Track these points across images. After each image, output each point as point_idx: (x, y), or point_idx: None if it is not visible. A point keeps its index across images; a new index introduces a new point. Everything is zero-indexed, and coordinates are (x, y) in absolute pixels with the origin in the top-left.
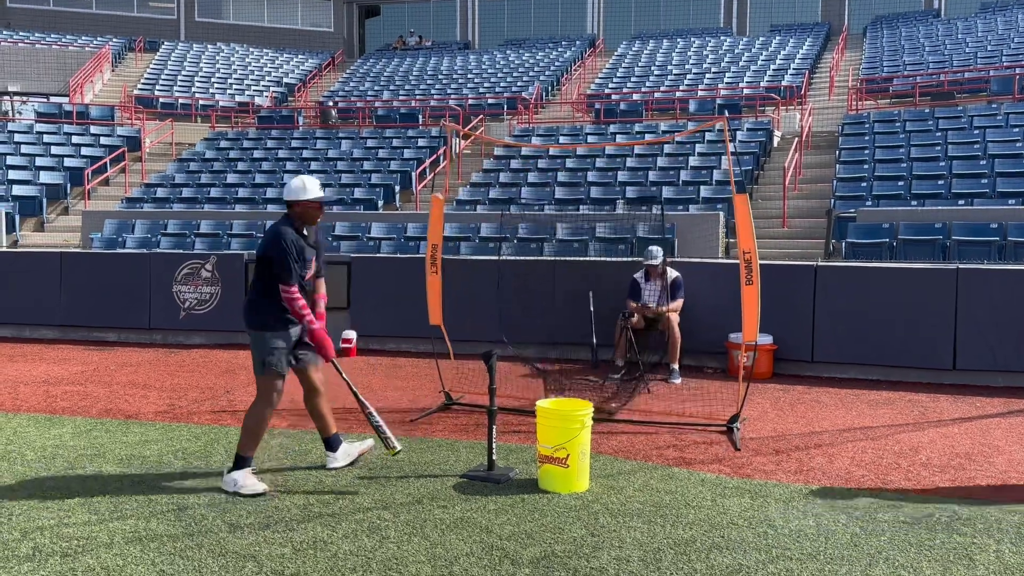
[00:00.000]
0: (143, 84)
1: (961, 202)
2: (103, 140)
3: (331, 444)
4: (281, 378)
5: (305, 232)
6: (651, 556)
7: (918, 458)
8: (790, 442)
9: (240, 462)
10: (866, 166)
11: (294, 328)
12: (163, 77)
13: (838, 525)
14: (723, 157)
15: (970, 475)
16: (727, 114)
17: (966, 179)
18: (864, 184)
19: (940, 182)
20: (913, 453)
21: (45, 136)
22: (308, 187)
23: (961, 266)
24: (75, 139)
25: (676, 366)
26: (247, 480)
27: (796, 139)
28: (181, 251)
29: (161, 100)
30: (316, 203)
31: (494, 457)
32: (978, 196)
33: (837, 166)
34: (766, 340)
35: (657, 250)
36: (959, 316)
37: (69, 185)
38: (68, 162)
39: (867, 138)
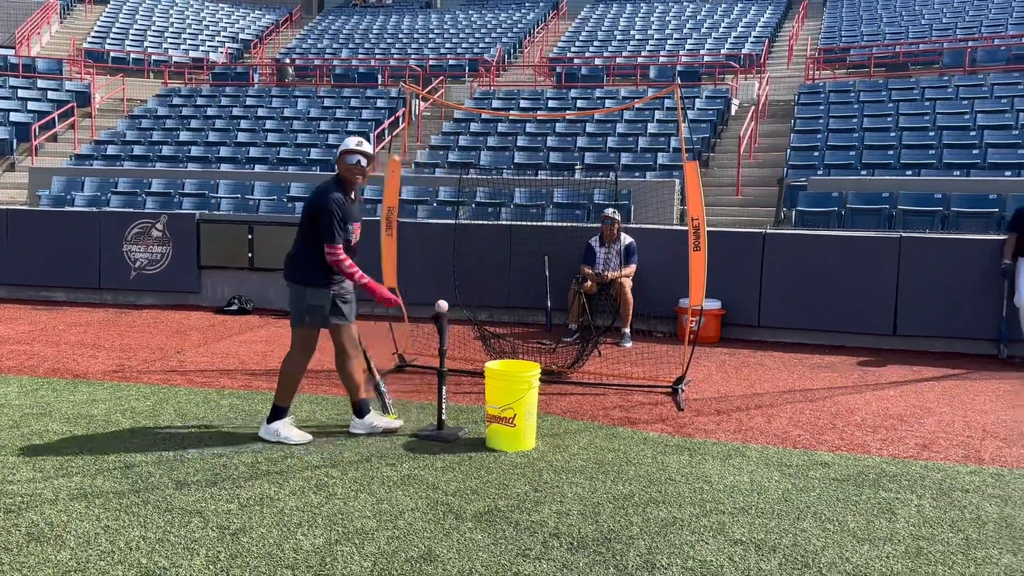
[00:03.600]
0: (93, 37)
1: (909, 172)
2: (51, 95)
3: (360, 410)
4: (315, 334)
5: (353, 197)
6: (590, 510)
7: (853, 419)
8: (732, 403)
9: (277, 412)
10: (819, 135)
11: (332, 286)
12: (114, 30)
13: (771, 481)
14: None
15: (900, 435)
16: (679, 81)
17: (915, 150)
18: (816, 153)
19: (890, 152)
20: (849, 414)
21: None
22: (349, 142)
23: (904, 235)
24: (21, 93)
25: (627, 330)
26: (290, 431)
27: (753, 108)
28: (132, 210)
29: (112, 54)
30: (351, 162)
31: (444, 417)
32: (925, 167)
33: (791, 135)
34: (714, 305)
35: (612, 210)
36: (901, 283)
37: (15, 141)
38: (14, 116)
39: (822, 108)
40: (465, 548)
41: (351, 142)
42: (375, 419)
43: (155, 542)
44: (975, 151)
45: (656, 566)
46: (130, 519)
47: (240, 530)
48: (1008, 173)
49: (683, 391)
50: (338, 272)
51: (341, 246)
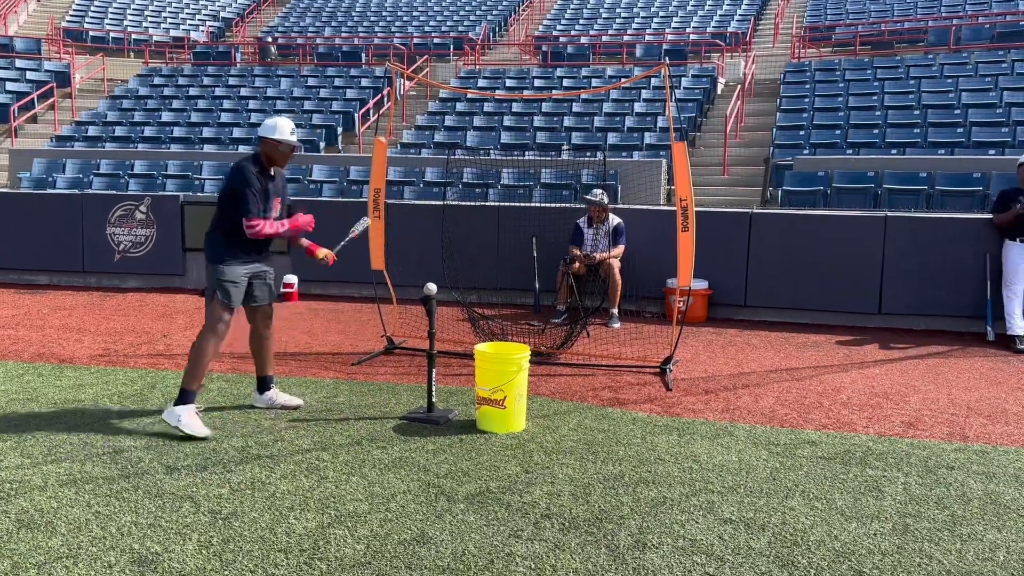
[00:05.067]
0: (72, 15)
1: (894, 151)
2: (29, 75)
3: (263, 384)
4: (229, 311)
5: (272, 173)
6: (581, 490)
7: (839, 397)
8: (719, 382)
9: (183, 396)
10: (805, 115)
11: (248, 266)
12: (93, 8)
13: (759, 460)
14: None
15: (886, 413)
16: (667, 60)
17: (900, 129)
18: (802, 132)
19: (875, 131)
20: (835, 393)
21: None
22: (279, 127)
23: (889, 214)
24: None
25: (616, 311)
26: (191, 420)
27: (739, 86)
28: (114, 192)
29: (91, 33)
30: (281, 144)
31: (434, 399)
32: (910, 145)
33: (777, 114)
34: (701, 285)
35: (599, 191)
36: (886, 262)
37: None
38: None
39: (807, 86)
40: (458, 530)
41: (286, 130)
42: (275, 395)
43: (146, 527)
44: (959, 130)
45: (647, 545)
46: (120, 504)
47: (232, 514)
48: (992, 151)
49: (671, 371)
50: (254, 250)
51: (258, 218)
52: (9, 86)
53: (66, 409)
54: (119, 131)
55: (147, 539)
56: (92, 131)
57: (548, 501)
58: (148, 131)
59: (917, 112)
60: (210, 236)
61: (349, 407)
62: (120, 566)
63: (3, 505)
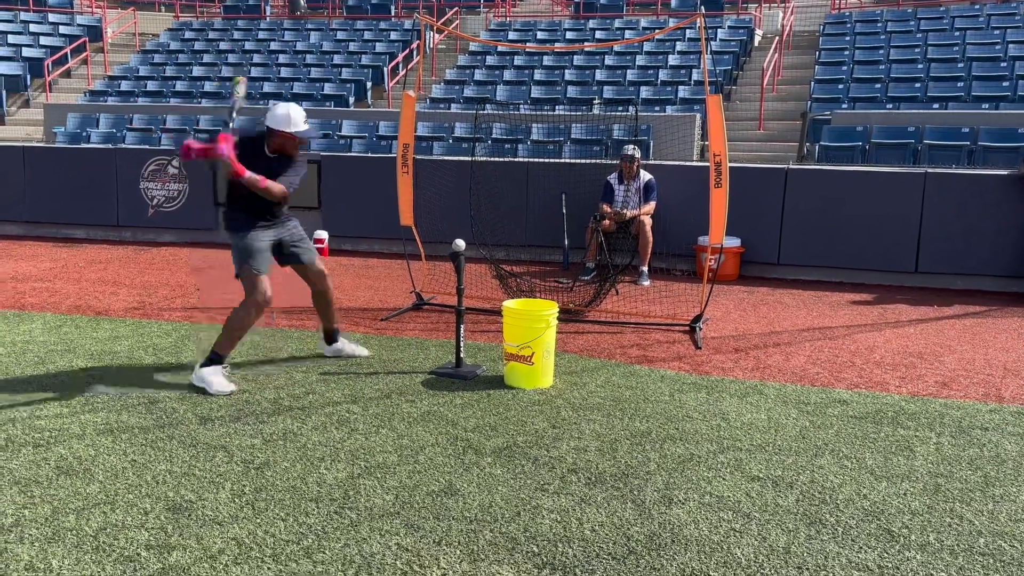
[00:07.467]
0: None
1: (936, 106)
2: (62, 29)
3: (329, 337)
4: (260, 278)
5: (272, 155)
6: (608, 446)
7: (872, 357)
8: (750, 341)
9: (213, 358)
10: (844, 67)
11: (269, 231)
12: None
13: (789, 419)
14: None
15: (920, 373)
16: (703, 11)
17: (943, 82)
18: (841, 86)
19: (917, 85)
20: (868, 352)
21: (0, 24)
22: (293, 119)
23: (929, 170)
24: (33, 28)
25: (645, 268)
26: (216, 378)
27: (777, 38)
28: (147, 147)
29: None
30: (297, 138)
31: (462, 355)
32: (953, 100)
33: (816, 67)
34: (734, 243)
35: (631, 146)
36: (924, 220)
37: (29, 76)
38: (27, 52)
39: (847, 38)
40: (485, 482)
41: (300, 121)
42: (344, 345)
43: (181, 476)
44: (1005, 83)
45: (673, 501)
46: (156, 453)
47: (264, 464)
48: None
49: (701, 329)
50: (267, 214)
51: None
52: (43, 40)
53: (102, 360)
54: (151, 86)
55: (181, 487)
56: (125, 86)
57: (575, 456)
58: (180, 85)
59: (961, 65)
60: (226, 210)
61: (379, 361)
62: (156, 512)
63: (43, 452)
